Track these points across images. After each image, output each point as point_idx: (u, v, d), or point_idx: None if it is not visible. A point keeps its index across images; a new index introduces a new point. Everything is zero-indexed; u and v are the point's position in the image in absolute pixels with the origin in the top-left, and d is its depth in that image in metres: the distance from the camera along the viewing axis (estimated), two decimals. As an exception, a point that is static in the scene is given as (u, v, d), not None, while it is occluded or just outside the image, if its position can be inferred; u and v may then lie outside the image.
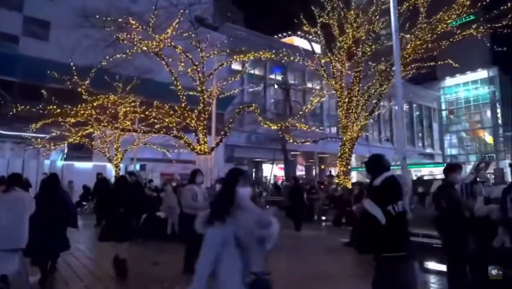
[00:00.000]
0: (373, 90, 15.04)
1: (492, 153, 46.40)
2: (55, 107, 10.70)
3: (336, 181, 15.12)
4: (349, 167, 15.70)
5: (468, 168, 46.24)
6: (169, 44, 11.33)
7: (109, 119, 13.32)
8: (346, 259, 7.62)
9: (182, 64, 11.86)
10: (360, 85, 15.24)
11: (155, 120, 12.32)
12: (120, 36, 11.29)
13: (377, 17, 14.12)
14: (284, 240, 8.96)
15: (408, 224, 3.26)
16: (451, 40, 12.87)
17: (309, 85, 38.87)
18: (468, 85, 49.13)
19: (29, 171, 16.70)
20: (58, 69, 13.89)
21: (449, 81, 50.25)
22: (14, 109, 14.63)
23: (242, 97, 29.27)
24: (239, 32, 29.61)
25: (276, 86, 32.70)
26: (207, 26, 20.66)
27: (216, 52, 11.85)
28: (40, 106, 10.73)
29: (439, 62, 16.01)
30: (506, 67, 44.18)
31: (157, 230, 9.09)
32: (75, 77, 13.09)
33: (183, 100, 11.73)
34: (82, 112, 11.26)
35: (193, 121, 11.43)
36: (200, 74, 11.54)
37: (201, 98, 11.65)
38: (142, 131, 13.18)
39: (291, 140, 16.68)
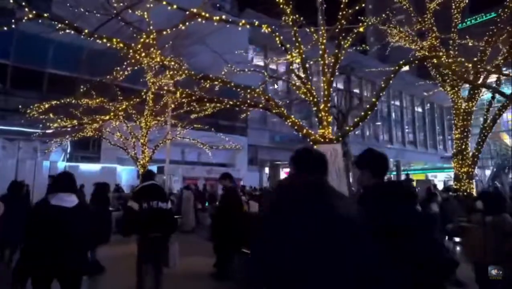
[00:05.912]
0: None
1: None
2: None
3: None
4: (474, 167, 11.66)
5: (487, 173, 43.71)
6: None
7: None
8: None
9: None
10: None
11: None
12: None
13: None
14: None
15: (160, 216, 4.57)
16: None
17: (315, 79, 35.45)
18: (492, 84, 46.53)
19: (24, 174, 13.20)
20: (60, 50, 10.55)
21: (470, 81, 47.64)
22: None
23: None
24: (262, 19, 26.51)
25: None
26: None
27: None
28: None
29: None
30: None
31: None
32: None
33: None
34: (152, 55, 7.07)
35: (312, 93, 7.35)
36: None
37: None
38: (217, 100, 8.08)
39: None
